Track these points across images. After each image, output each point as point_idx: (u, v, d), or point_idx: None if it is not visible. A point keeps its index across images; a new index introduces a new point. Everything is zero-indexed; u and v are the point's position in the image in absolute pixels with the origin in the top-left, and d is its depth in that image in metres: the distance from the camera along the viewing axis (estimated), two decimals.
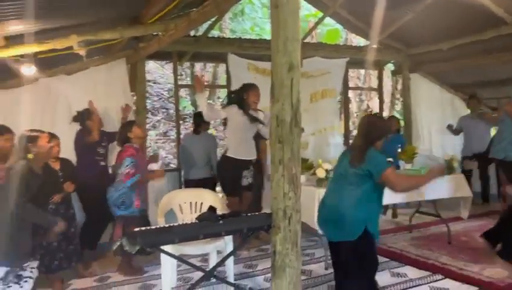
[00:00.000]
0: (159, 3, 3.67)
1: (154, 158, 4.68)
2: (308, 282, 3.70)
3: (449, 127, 6.40)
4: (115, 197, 3.85)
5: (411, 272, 3.85)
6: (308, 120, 5.85)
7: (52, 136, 3.65)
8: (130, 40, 4.42)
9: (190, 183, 5.02)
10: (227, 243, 3.52)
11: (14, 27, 2.99)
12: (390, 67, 8.01)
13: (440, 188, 4.49)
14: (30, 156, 2.92)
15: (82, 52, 3.74)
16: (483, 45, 5.52)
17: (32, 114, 4.32)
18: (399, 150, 5.24)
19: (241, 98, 4.21)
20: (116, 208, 3.87)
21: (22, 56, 3.48)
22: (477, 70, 6.38)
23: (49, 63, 4.15)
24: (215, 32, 10.03)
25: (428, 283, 3.60)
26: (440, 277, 3.70)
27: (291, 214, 1.84)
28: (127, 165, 3.80)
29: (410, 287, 3.53)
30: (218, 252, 3.70)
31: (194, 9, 3.66)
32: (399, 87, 7.65)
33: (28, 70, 3.69)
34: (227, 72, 5.69)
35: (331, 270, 3.68)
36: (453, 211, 5.09)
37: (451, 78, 6.97)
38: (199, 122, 5.03)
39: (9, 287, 2.67)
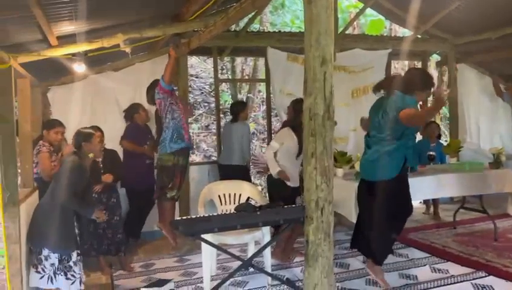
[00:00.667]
0: (199, 1, 3.78)
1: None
2: (345, 275, 3.72)
3: None
4: (169, 136, 4.02)
5: (453, 268, 3.77)
6: (349, 115, 5.83)
7: (99, 130, 3.86)
8: (172, 37, 4.58)
9: (223, 169, 5.15)
10: (264, 233, 3.60)
11: (66, 27, 3.21)
12: (436, 58, 7.72)
13: (486, 183, 4.35)
14: (91, 155, 3.14)
15: (128, 49, 3.93)
16: None
17: (83, 109, 4.63)
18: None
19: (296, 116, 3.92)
20: (173, 143, 4.02)
21: (73, 54, 3.71)
22: None
23: (97, 61, 4.39)
24: (255, 26, 10.12)
25: (471, 279, 3.51)
26: (484, 274, 3.59)
27: (324, 205, 1.88)
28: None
29: (451, 284, 3.46)
30: (257, 243, 3.79)
31: (234, 4, 3.74)
32: (445, 78, 7.35)
33: (79, 67, 3.92)
34: (266, 66, 5.74)
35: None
36: (501, 207, 4.90)
37: (500, 69, 6.63)
38: (236, 111, 5.20)
39: (58, 275, 2.89)
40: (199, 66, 11.08)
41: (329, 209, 1.89)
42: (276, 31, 6.36)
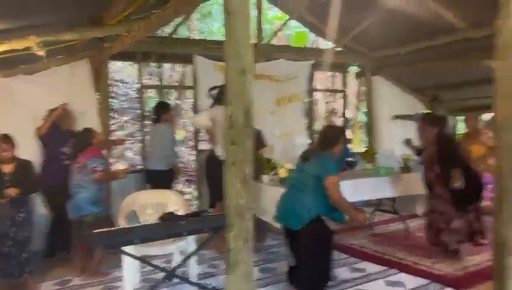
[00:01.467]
0: (121, 5, 3.68)
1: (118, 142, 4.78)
2: (270, 279, 3.80)
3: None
4: (87, 196, 3.83)
5: (370, 267, 4.02)
6: (275, 123, 6.02)
7: (4, 139, 3.55)
8: (93, 40, 4.39)
9: (148, 174, 5.01)
10: (189, 243, 3.57)
11: None
12: (355, 69, 8.24)
13: (398, 187, 4.70)
14: None
15: (41, 52, 3.69)
16: (438, 50, 5.79)
17: None
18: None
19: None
20: (90, 205, 3.83)
21: None
22: (435, 74, 6.66)
23: (8, 63, 4.07)
24: (183, 33, 10.03)
25: (384, 277, 3.76)
26: (395, 271, 3.88)
27: (244, 212, 1.92)
28: (91, 164, 3.80)
29: (367, 282, 3.69)
30: (182, 252, 3.73)
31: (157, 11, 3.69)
32: (363, 89, 7.89)
33: None
34: (194, 74, 5.71)
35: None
36: (411, 208, 5.33)
37: (410, 81, 7.24)
38: (158, 112, 5.05)
39: None
40: (124, 71, 10.71)
41: (248, 215, 1.93)
42: (203, 38, 6.38)
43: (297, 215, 3.17)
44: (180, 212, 3.50)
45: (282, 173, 4.18)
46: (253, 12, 5.78)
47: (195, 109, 6.15)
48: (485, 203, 4.68)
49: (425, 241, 4.30)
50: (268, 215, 4.06)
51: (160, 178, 4.76)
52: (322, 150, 3.32)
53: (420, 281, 3.63)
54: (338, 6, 4.66)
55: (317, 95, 11.10)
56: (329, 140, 3.34)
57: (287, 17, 6.83)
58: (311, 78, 6.85)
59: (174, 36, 5.63)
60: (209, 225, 3.08)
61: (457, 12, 5.06)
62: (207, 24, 11.03)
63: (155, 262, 3.50)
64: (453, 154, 4.02)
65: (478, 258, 4.08)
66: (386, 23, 5.60)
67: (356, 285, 3.63)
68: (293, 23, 8.75)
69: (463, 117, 6.86)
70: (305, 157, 3.41)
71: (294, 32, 11.37)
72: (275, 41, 7.81)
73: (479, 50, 5.43)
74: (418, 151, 4.45)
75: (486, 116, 6.23)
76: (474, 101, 6.40)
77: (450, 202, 3.96)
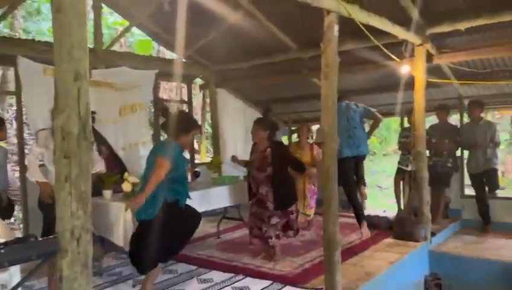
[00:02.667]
0: None
1: None
2: None
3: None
4: None
5: (217, 276, 4.05)
6: (118, 134, 5.65)
7: None
8: None
9: None
10: (13, 274, 3.03)
11: None
12: (199, 81, 8.38)
13: (241, 194, 4.91)
14: None
15: None
16: (274, 67, 6.34)
17: None
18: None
19: None
20: None
21: None
22: (273, 88, 7.26)
23: None
24: (5, 31, 8.71)
25: (231, 284, 3.85)
26: (242, 276, 4.01)
27: (81, 234, 1.71)
28: None
29: None
30: (4, 286, 3.15)
31: None
32: (208, 101, 8.08)
33: None
34: (17, 77, 4.96)
35: (138, 287, 3.64)
36: None
37: (251, 95, 7.73)
38: None
39: None
40: None
41: (87, 238, 1.72)
42: (30, 38, 5.62)
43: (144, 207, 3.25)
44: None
45: (126, 187, 3.93)
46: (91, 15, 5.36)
47: (19, 118, 5.36)
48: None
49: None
50: (112, 234, 3.77)
51: None
52: (172, 136, 3.37)
53: (264, 283, 3.83)
54: (183, 17, 4.66)
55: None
56: (179, 126, 3.34)
57: (128, 23, 6.55)
58: (155, 88, 6.69)
59: None
60: (38, 252, 2.66)
61: (290, 34, 5.62)
62: (35, 23, 9.80)
63: None
64: (286, 156, 4.45)
65: (313, 254, 4.53)
66: (229, 39, 5.86)
67: None
68: (137, 30, 8.47)
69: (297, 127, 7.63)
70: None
71: (138, 40, 11.03)
72: (117, 48, 7.40)
73: (308, 69, 6.15)
74: (246, 163, 4.72)
75: (316, 127, 7.06)
76: (308, 113, 7.18)
77: (272, 201, 4.28)
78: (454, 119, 7.29)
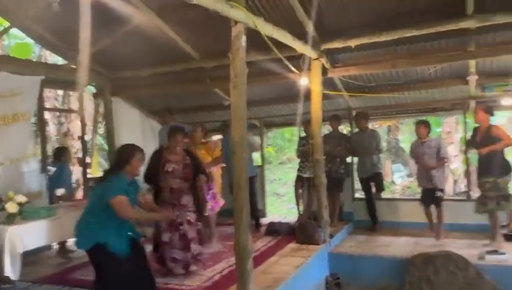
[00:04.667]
0: None
1: None
2: None
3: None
4: None
5: None
6: None
7: None
8: None
9: None
10: None
11: None
12: (92, 89, 7.79)
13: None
14: None
15: None
16: (176, 76, 6.19)
17: None
18: None
19: None
20: None
21: None
22: (174, 98, 7.09)
23: None
24: None
25: None
26: None
27: None
28: None
29: None
30: None
31: None
32: (101, 110, 7.52)
33: None
34: None
35: None
36: None
37: (151, 104, 7.43)
38: None
39: None
40: None
41: None
42: None
43: (83, 236, 3.15)
44: None
45: (11, 207, 3.44)
46: None
47: None
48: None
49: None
50: None
51: None
52: (116, 169, 3.28)
53: None
54: (75, 20, 4.28)
55: (48, 115, 9.91)
56: (121, 159, 3.28)
57: (8, 24, 5.82)
58: (40, 96, 6.02)
59: None
60: None
61: (192, 43, 5.55)
62: None
63: None
64: (199, 162, 4.44)
65: (222, 265, 4.47)
66: (126, 45, 5.56)
67: None
68: (15, 33, 7.61)
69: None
70: (101, 178, 3.35)
71: (16, 43, 9.91)
72: None
73: (210, 78, 6.14)
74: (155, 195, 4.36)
75: (216, 137, 7.07)
76: (210, 124, 7.10)
77: (194, 210, 4.22)
78: (344, 128, 7.95)
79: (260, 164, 8.05)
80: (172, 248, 4.10)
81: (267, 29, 3.77)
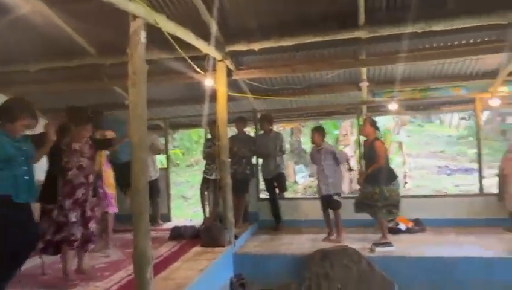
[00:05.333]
0: None
1: None
2: None
3: None
4: None
5: None
6: None
7: None
8: None
9: None
10: None
11: None
12: None
13: None
14: None
15: None
16: (70, 72, 5.72)
17: None
18: None
19: None
20: None
21: None
22: (69, 96, 6.52)
23: None
24: None
25: None
26: None
27: None
28: None
29: None
30: None
31: None
32: None
33: None
34: None
35: None
36: None
37: (41, 102, 6.75)
38: None
39: None
40: None
41: None
42: None
43: None
44: None
45: None
46: None
47: None
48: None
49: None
50: None
51: None
52: None
53: None
54: None
55: None
56: (6, 114, 3.13)
57: None
58: None
59: None
60: None
61: (88, 38, 5.17)
62: None
63: None
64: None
65: (121, 274, 4.21)
66: (12, 36, 4.97)
67: None
68: None
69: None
70: None
71: None
72: None
73: (109, 76, 5.78)
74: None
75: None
76: None
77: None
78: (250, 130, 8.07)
79: (165, 166, 7.83)
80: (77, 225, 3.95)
81: (169, 26, 3.66)
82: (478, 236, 5.50)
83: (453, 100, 6.80)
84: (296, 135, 13.44)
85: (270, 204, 6.54)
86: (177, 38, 3.81)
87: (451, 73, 6.04)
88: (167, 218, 7.19)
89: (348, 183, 10.60)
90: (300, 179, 12.54)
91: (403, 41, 4.79)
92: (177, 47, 3.81)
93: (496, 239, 5.32)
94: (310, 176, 12.37)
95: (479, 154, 6.70)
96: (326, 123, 9.62)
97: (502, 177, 5.91)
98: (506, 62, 5.50)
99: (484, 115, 12.95)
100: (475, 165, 7.20)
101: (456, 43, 5.18)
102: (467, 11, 4.30)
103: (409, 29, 4.50)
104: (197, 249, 5.14)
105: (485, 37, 5.08)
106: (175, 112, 7.36)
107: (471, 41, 5.15)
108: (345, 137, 11.50)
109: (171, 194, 7.74)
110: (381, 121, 7.71)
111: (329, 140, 8.61)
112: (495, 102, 6.38)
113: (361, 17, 4.54)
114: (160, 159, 8.78)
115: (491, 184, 6.66)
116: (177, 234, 5.69)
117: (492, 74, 5.94)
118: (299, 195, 11.20)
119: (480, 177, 6.61)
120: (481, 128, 7.29)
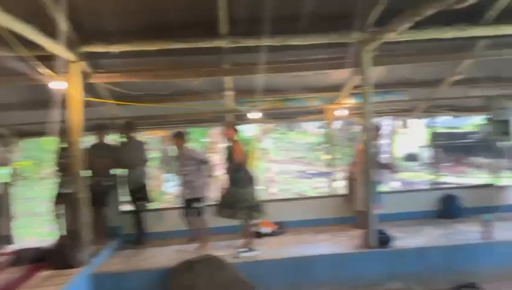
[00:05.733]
0: None
1: None
2: None
3: None
4: None
5: None
6: None
7: None
8: None
9: None
10: None
11: None
12: None
13: None
14: None
15: None
16: None
17: None
18: None
19: None
20: None
21: None
22: None
23: None
24: None
25: None
26: None
27: None
28: None
29: None
30: None
31: None
32: None
33: None
34: None
35: None
36: None
37: None
38: None
39: None
40: None
41: None
42: None
43: None
44: None
45: None
46: None
47: None
48: None
49: None
50: None
51: None
52: None
53: None
54: None
55: None
56: None
57: None
58: None
59: None
60: None
61: None
62: None
63: None
64: None
65: None
66: None
67: None
68: None
69: None
70: None
71: None
72: None
73: None
74: None
75: None
76: None
77: None
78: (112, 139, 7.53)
79: (8, 180, 6.79)
80: None
81: (3, 19, 3.16)
82: (333, 234, 6.02)
83: (308, 110, 7.39)
84: (165, 143, 13.09)
85: (134, 217, 6.16)
86: (18, 35, 3.33)
87: (307, 85, 6.55)
88: (9, 240, 6.23)
89: (214, 189, 10.68)
90: (170, 189, 12.21)
91: (263, 53, 5.00)
92: (13, 44, 3.31)
93: (346, 236, 5.88)
94: (179, 185, 12.11)
95: (332, 159, 7.41)
96: (194, 131, 9.56)
97: (350, 180, 6.59)
98: (350, 76, 6.20)
99: (338, 124, 14.47)
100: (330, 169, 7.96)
101: (311, 57, 5.64)
102: (318, 29, 4.71)
103: (269, 42, 4.72)
104: (45, 273, 4.53)
105: (332, 54, 5.62)
106: (23, 118, 6.46)
107: (322, 57, 5.65)
108: (214, 145, 11.64)
109: (13, 213, 6.71)
110: (247, 129, 7.98)
111: (198, 148, 8.57)
112: (342, 112, 7.16)
113: (224, 27, 4.60)
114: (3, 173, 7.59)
115: (342, 186, 7.39)
116: (21, 257, 4.96)
117: (339, 87, 6.64)
118: (168, 205, 10.87)
119: (332, 181, 7.31)
120: (333, 136, 8.12)
